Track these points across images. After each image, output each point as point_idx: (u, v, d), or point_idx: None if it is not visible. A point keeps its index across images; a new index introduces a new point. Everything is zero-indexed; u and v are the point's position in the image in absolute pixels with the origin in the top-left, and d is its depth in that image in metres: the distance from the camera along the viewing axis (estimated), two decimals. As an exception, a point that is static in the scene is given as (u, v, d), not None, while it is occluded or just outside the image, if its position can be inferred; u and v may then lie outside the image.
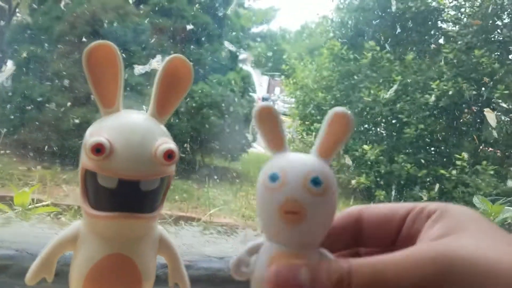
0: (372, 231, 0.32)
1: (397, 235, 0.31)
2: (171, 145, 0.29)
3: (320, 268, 0.26)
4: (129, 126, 0.29)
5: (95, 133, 0.28)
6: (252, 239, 0.42)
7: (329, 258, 0.31)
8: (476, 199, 0.71)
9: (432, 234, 0.26)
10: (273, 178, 0.29)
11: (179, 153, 0.29)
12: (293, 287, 0.26)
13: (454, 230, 0.26)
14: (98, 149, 0.27)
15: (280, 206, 0.28)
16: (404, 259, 0.24)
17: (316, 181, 0.29)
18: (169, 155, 0.28)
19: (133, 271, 0.30)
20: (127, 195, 0.28)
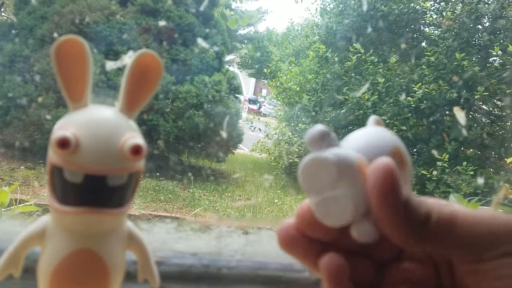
0: None
1: None
2: (139, 140, 0.29)
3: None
4: (96, 121, 0.29)
5: (62, 128, 0.28)
6: (226, 235, 0.43)
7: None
8: (452, 197, 0.73)
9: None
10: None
11: (148, 148, 0.29)
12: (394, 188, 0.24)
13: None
14: (63, 143, 0.27)
15: None
16: (472, 215, 0.24)
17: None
18: (136, 150, 0.28)
19: (101, 267, 0.30)
20: (93, 190, 0.28)
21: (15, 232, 0.31)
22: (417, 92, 2.36)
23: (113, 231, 0.31)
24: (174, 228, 0.44)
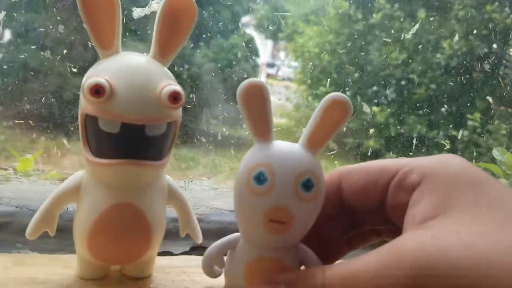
0: (355, 202, 0.29)
1: (381, 204, 0.28)
2: (177, 87, 0.27)
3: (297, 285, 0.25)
4: (130, 67, 0.27)
5: (93, 75, 0.26)
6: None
7: (308, 256, 0.29)
8: (496, 152, 0.69)
9: (418, 215, 0.24)
10: (259, 179, 0.26)
11: (185, 96, 0.27)
12: None
13: (442, 209, 0.23)
14: (97, 90, 0.25)
15: (266, 213, 0.26)
16: (378, 270, 0.22)
17: (308, 185, 0.26)
18: (174, 97, 0.26)
19: (142, 221, 0.28)
20: (131, 140, 0.26)
21: (46, 191, 0.29)
22: (446, 49, 2.24)
23: (153, 185, 0.29)
24: (209, 186, 0.42)
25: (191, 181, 0.42)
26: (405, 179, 0.26)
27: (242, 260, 0.28)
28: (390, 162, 0.27)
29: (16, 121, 0.40)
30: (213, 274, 0.30)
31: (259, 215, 0.26)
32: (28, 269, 0.30)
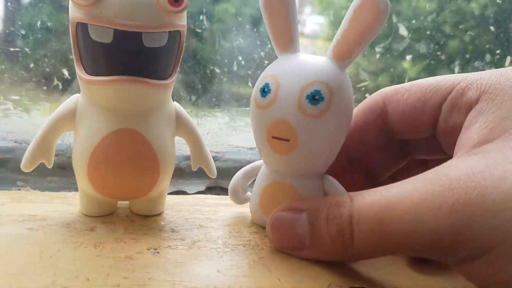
0: (402, 128, 0.24)
1: (433, 128, 0.23)
2: (178, -15, 0.22)
3: (320, 215, 0.21)
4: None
5: (81, -26, 0.21)
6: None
7: (335, 189, 0.24)
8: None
9: (472, 138, 0.19)
10: (264, 91, 0.22)
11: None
12: (292, 240, 0.22)
13: (500, 131, 0.18)
14: (84, -12, 0.21)
15: (268, 129, 0.22)
16: (418, 200, 0.18)
17: (315, 97, 0.22)
18: (175, -2, 0.22)
19: (147, 150, 0.24)
20: (127, 52, 0.22)
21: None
22: (480, -4, 2.09)
23: (158, 111, 0.25)
24: (226, 123, 0.39)
25: (205, 115, 0.38)
26: (461, 97, 0.21)
27: (259, 185, 0.26)
28: (445, 78, 0.23)
29: (33, 81, 0.37)
30: (239, 200, 0.28)
31: (263, 131, 0.23)
32: (27, 205, 0.28)
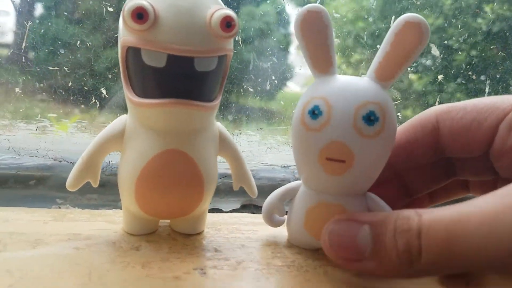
0: (454, 147, 0.24)
1: (486, 148, 0.23)
2: (229, 11, 0.23)
3: (387, 228, 0.21)
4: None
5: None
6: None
7: (378, 207, 0.25)
8: None
9: None
10: (315, 113, 0.23)
11: (239, 24, 0.23)
12: (350, 251, 0.22)
13: None
14: (139, 14, 0.21)
15: (322, 150, 0.23)
16: (492, 215, 0.17)
17: (370, 118, 0.22)
18: (227, 23, 0.22)
19: (194, 170, 0.25)
20: (179, 76, 0.23)
21: (85, 143, 0.26)
22: (488, 13, 2.09)
23: (203, 132, 0.26)
24: (258, 142, 0.39)
25: (240, 133, 0.38)
26: None
27: (302, 206, 0.26)
28: (502, 98, 0.23)
29: (50, 95, 0.38)
30: (273, 223, 0.28)
31: (315, 153, 0.23)
32: (70, 224, 0.28)
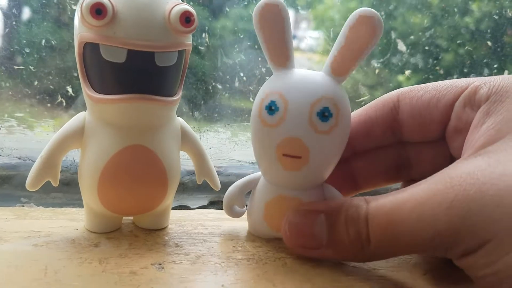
0: (413, 124, 0.25)
1: (443, 126, 0.24)
2: (187, 6, 0.23)
3: (339, 216, 0.22)
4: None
5: (93, -4, 0.22)
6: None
7: (335, 195, 0.26)
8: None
9: (479, 139, 0.20)
10: (271, 109, 0.23)
11: (197, 19, 0.23)
12: (308, 240, 0.23)
13: (505, 133, 0.19)
14: (98, 9, 0.21)
15: (278, 146, 0.23)
16: (422, 199, 0.19)
17: (324, 114, 0.23)
18: (186, 18, 0.23)
19: (157, 165, 0.25)
20: (140, 71, 0.23)
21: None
22: (475, 12, 2.12)
23: (165, 127, 0.26)
24: (228, 138, 0.39)
25: (207, 130, 0.39)
26: (474, 94, 0.22)
27: (262, 199, 0.26)
28: (462, 79, 0.24)
29: (37, 99, 0.37)
30: (234, 214, 0.28)
31: (272, 149, 0.24)
32: (31, 221, 0.28)
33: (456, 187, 0.18)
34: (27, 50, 0.37)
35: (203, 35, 0.39)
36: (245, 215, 0.29)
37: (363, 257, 0.22)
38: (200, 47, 0.39)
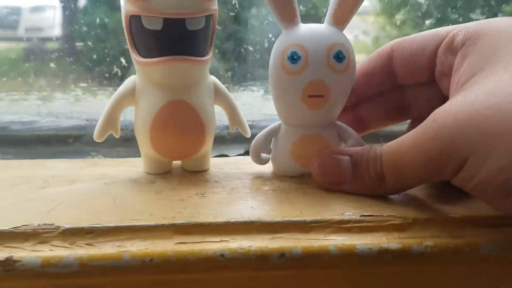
0: (404, 70, 0.29)
1: (431, 71, 0.28)
2: (211, -22, 0.27)
3: (362, 158, 0.27)
4: (164, -33, 0.28)
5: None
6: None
7: (347, 131, 0.30)
8: None
9: (459, 80, 0.24)
10: (294, 58, 0.27)
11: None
12: (336, 177, 0.28)
13: (480, 67, 0.22)
14: (138, -13, 0.26)
15: (304, 89, 0.27)
16: (417, 137, 0.23)
17: (339, 56, 0.27)
18: (210, -12, 0.27)
19: (195, 116, 0.30)
20: (174, 36, 0.28)
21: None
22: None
23: (200, 84, 0.31)
24: (261, 96, 0.44)
25: (242, 89, 0.43)
26: (453, 41, 0.25)
27: (287, 142, 0.30)
28: (443, 28, 0.27)
29: (96, 71, 0.44)
30: (261, 161, 0.32)
31: (297, 92, 0.28)
32: (100, 168, 0.34)
33: (439, 121, 0.22)
34: (85, 29, 0.43)
35: (233, 1, 0.43)
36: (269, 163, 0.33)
37: (380, 191, 0.27)
38: (231, 13, 0.43)
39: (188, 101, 0.30)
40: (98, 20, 0.43)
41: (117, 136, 0.32)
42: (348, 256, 0.23)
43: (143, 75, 0.30)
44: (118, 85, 0.32)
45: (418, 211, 0.26)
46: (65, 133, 0.40)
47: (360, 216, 0.25)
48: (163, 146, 0.31)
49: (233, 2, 0.43)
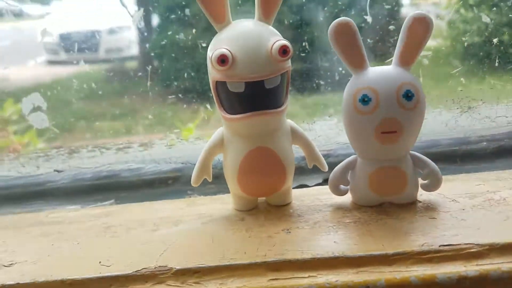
0: None
1: None
2: (284, 41, 0.31)
3: None
4: (243, 34, 0.32)
5: (216, 47, 0.32)
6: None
7: (422, 160, 0.33)
8: None
9: None
10: (365, 100, 0.30)
11: (292, 48, 0.31)
12: None
13: None
14: (222, 59, 0.31)
15: (377, 127, 0.30)
16: None
17: (408, 94, 0.30)
18: (283, 50, 0.31)
19: (276, 159, 0.34)
20: (254, 95, 0.32)
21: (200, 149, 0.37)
22: None
23: (278, 130, 0.34)
24: (335, 124, 0.47)
25: (314, 122, 0.47)
26: None
27: (364, 174, 0.33)
28: None
29: (178, 96, 0.50)
30: (340, 192, 0.35)
31: (371, 130, 0.31)
32: (198, 207, 0.39)
33: None
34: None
35: (303, 44, 0.46)
36: (348, 194, 0.36)
37: None
38: (301, 54, 0.46)
39: (269, 146, 0.34)
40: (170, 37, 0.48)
41: (210, 180, 0.37)
42: (429, 286, 0.25)
43: (229, 127, 0.35)
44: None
45: (493, 237, 0.27)
46: (165, 176, 0.47)
47: (439, 246, 0.27)
48: (250, 187, 0.35)
49: (303, 44, 0.46)
